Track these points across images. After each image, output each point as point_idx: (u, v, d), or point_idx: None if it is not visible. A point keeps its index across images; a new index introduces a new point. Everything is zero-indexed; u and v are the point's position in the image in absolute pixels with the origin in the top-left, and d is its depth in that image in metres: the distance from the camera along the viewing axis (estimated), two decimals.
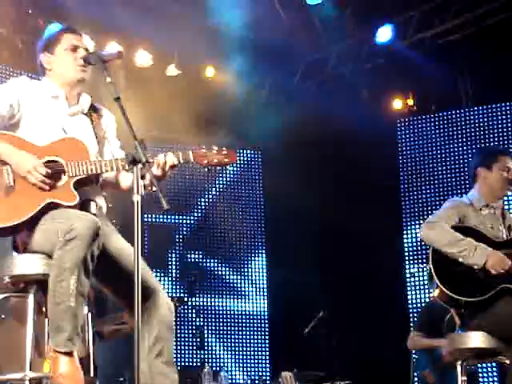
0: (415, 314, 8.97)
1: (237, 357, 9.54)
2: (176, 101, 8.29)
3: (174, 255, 9.61)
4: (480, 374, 8.11)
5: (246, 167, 10.01)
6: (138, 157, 3.03)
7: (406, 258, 9.50)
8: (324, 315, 7.89)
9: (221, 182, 9.88)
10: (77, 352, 3.25)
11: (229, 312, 9.66)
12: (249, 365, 9.55)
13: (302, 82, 9.63)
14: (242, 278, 9.81)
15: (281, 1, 8.56)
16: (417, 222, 9.25)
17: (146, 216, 9.17)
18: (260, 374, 9.33)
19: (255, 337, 9.69)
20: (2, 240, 3.50)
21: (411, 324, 8.81)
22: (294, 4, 8.57)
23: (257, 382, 8.96)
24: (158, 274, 9.06)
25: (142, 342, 3.26)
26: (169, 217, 9.53)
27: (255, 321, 9.74)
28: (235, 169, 9.73)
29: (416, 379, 6.91)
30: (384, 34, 8.91)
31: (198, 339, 8.74)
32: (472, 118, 9.44)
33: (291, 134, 8.85)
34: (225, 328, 9.59)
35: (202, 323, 9.27)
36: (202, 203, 9.84)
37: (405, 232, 9.59)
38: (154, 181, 3.09)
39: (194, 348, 8.99)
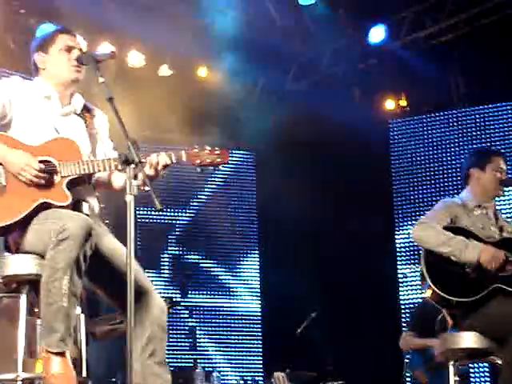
0: (407, 314, 8.99)
1: (229, 357, 9.54)
2: (168, 101, 8.29)
3: (166, 255, 9.61)
4: (472, 374, 8.13)
5: (238, 167, 10.01)
6: (131, 157, 3.02)
7: (399, 258, 9.52)
8: (316, 315, 7.90)
9: (213, 182, 9.88)
10: (69, 352, 3.24)
11: (221, 312, 9.66)
12: (241, 365, 9.54)
13: (295, 82, 9.63)
14: (235, 278, 9.82)
15: (274, 1, 8.56)
16: (409, 223, 9.27)
17: (138, 216, 9.16)
18: (252, 374, 9.33)
19: (248, 337, 9.69)
20: None
21: (403, 324, 8.83)
22: (287, 4, 8.58)
23: (249, 382, 8.95)
24: (151, 275, 9.05)
25: (135, 343, 3.26)
26: (161, 217, 9.52)
27: (248, 321, 9.74)
28: (228, 169, 9.72)
29: (408, 379, 6.93)
30: (377, 34, 8.92)
31: (191, 339, 8.73)
32: (465, 118, 9.46)
33: (284, 134, 8.85)
34: (217, 328, 9.59)
35: (194, 323, 9.26)
36: (195, 203, 9.83)
37: (397, 232, 9.61)
38: (146, 181, 3.09)
39: (187, 348, 8.98)
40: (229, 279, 9.78)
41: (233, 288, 9.77)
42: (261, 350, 9.67)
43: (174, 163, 3.46)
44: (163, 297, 3.76)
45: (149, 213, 9.40)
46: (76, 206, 3.46)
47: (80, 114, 3.70)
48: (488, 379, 8.31)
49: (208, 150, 3.46)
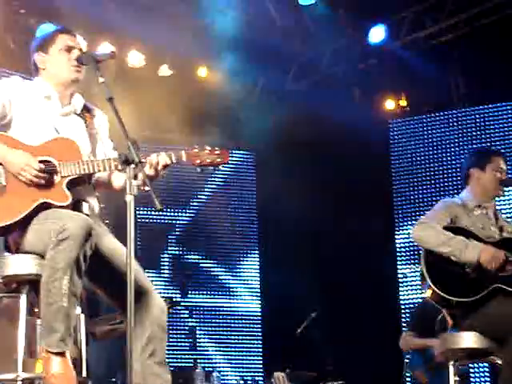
0: (407, 314, 8.99)
1: (229, 357, 9.54)
2: (168, 101, 8.29)
3: (166, 255, 9.61)
4: (472, 375, 8.13)
5: (238, 167, 10.01)
6: (131, 157, 3.02)
7: (399, 258, 9.52)
8: (316, 315, 7.90)
9: (213, 182, 9.88)
10: (69, 352, 3.24)
11: (221, 312, 9.66)
12: (241, 365, 9.54)
13: (295, 82, 9.63)
14: (235, 278, 9.82)
15: (274, 1, 8.56)
16: (409, 223, 9.27)
17: (138, 216, 9.16)
18: (252, 374, 9.33)
19: (248, 337, 9.70)
20: None
21: (403, 324, 8.83)
22: (287, 4, 8.58)
23: (249, 382, 8.95)
24: (151, 275, 9.05)
25: (135, 343, 3.26)
26: (161, 217, 9.52)
27: (248, 321, 9.74)
28: (228, 169, 9.72)
29: (409, 379, 6.92)
30: (377, 34, 8.92)
31: (191, 339, 8.74)
32: (465, 118, 9.46)
33: (284, 134, 8.85)
34: (217, 328, 9.59)
35: (194, 323, 9.26)
36: (195, 203, 9.83)
37: (397, 232, 9.61)
38: (146, 181, 3.09)
39: (187, 348, 8.98)
40: (229, 279, 9.78)
41: (233, 288, 9.77)
42: (261, 349, 9.67)
43: (174, 163, 3.46)
44: (163, 297, 3.76)
45: (149, 213, 9.40)
46: (76, 205, 3.46)
47: (80, 114, 3.71)
48: (488, 379, 8.31)
49: (208, 150, 3.46)
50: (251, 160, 10.14)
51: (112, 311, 5.23)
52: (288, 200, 8.52)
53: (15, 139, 3.48)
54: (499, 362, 4.34)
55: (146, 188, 3.10)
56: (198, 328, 9.20)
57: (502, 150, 7.33)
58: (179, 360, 8.97)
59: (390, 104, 9.73)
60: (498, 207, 4.84)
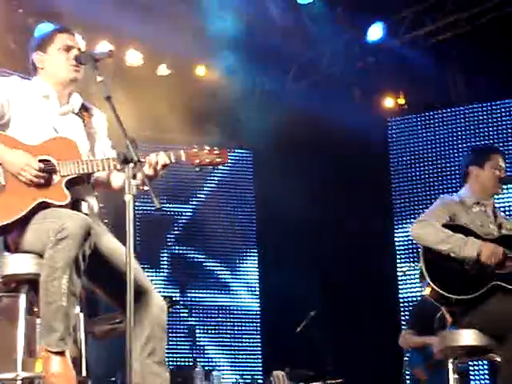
0: (407, 312, 8.99)
1: (229, 356, 9.54)
2: (167, 100, 8.29)
3: (165, 254, 9.61)
4: (471, 372, 8.14)
5: (237, 167, 10.01)
6: (130, 156, 3.02)
7: (398, 256, 9.53)
8: (316, 314, 7.90)
9: (212, 181, 9.88)
10: (69, 352, 3.25)
11: (221, 311, 9.66)
12: (241, 364, 9.55)
13: (295, 82, 9.63)
14: (234, 277, 9.82)
15: (273, 1, 8.55)
16: (408, 221, 9.27)
17: (137, 215, 9.15)
18: (252, 373, 9.33)
19: (247, 336, 9.70)
20: None
21: (403, 322, 8.84)
22: (287, 4, 8.57)
23: (249, 381, 8.95)
24: (150, 273, 9.05)
25: (134, 342, 3.26)
26: (161, 216, 9.51)
27: (247, 320, 9.75)
28: (227, 168, 9.72)
29: (408, 377, 6.93)
30: (375, 32, 8.92)
31: (190, 338, 8.73)
32: (464, 116, 9.47)
33: (283, 134, 8.85)
34: (217, 327, 9.59)
35: (193, 323, 9.26)
36: (193, 203, 9.83)
37: (396, 230, 9.62)
38: (145, 180, 3.09)
39: (186, 348, 8.98)
40: (228, 278, 9.79)
41: (232, 287, 9.78)
42: (260, 348, 9.67)
43: (173, 163, 3.46)
44: (162, 296, 3.75)
45: (149, 212, 9.39)
46: (75, 205, 3.46)
47: (78, 113, 3.70)
48: (487, 377, 8.31)
49: (207, 149, 3.46)
50: (250, 159, 10.14)
51: (111, 311, 5.22)
52: (287, 199, 8.52)
53: (14, 139, 3.48)
54: (498, 359, 4.35)
55: (145, 187, 3.10)
56: (197, 327, 9.20)
57: (501, 148, 7.33)
58: (179, 359, 8.97)
59: (388, 102, 9.73)
60: (496, 205, 4.85)
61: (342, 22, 8.69)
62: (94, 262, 3.35)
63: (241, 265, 9.88)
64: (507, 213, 8.58)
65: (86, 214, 3.45)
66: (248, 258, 9.92)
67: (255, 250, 9.96)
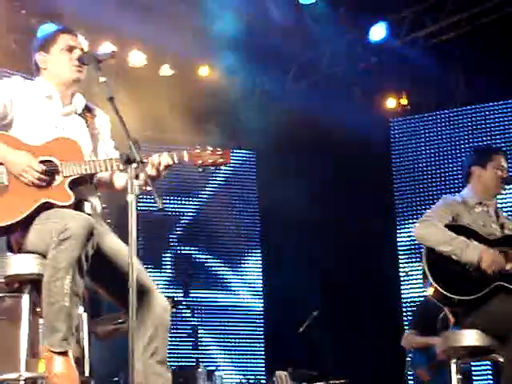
0: (409, 313, 8.99)
1: (231, 356, 9.54)
2: (170, 101, 8.30)
3: (168, 255, 9.62)
4: (474, 373, 8.13)
5: (239, 167, 10.01)
6: (133, 156, 3.03)
7: (400, 256, 9.53)
8: (318, 314, 7.90)
9: (215, 182, 9.88)
10: (72, 352, 3.25)
11: (223, 311, 9.66)
12: (243, 364, 9.55)
13: (295, 82, 9.63)
14: (237, 277, 9.82)
15: (274, 1, 8.55)
16: (410, 221, 9.27)
17: (140, 215, 9.13)
18: (255, 373, 9.32)
19: (250, 336, 9.70)
20: None
21: (405, 322, 8.83)
22: (287, 4, 8.57)
23: (252, 381, 8.95)
24: (153, 273, 9.05)
25: (137, 342, 3.26)
26: (163, 216, 9.52)
27: (250, 320, 9.74)
28: (229, 168, 9.72)
29: (411, 377, 6.92)
30: (377, 32, 8.92)
31: (193, 339, 8.73)
32: (466, 117, 9.47)
33: (284, 134, 8.86)
34: (219, 327, 9.59)
35: (196, 323, 9.26)
36: (196, 203, 9.83)
37: (398, 231, 9.61)
38: (148, 181, 3.10)
39: (189, 348, 8.98)
40: (231, 278, 9.79)
41: (235, 287, 9.78)
42: (263, 349, 9.67)
43: (176, 163, 3.46)
44: (165, 296, 3.75)
45: (151, 212, 9.38)
46: (78, 205, 3.46)
47: (81, 114, 3.71)
48: (490, 377, 8.30)
49: (210, 150, 3.46)
50: (253, 160, 10.14)
51: (114, 311, 5.23)
52: (289, 199, 8.52)
53: (17, 139, 3.49)
54: (501, 359, 4.34)
55: (148, 188, 3.10)
56: (200, 327, 9.20)
57: (504, 148, 7.33)
58: (181, 359, 8.97)
59: (391, 103, 9.73)
60: (498, 205, 4.85)
61: (344, 22, 8.70)
62: (96, 262, 3.35)
63: (243, 265, 9.88)
64: (509, 213, 8.56)
65: (89, 215, 3.45)
66: (251, 258, 9.92)
67: (258, 250, 9.97)
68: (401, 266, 9.47)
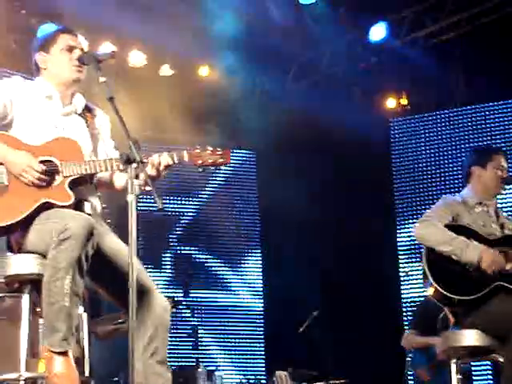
0: (409, 313, 8.99)
1: (231, 356, 9.54)
2: (170, 101, 8.30)
3: (168, 255, 9.62)
4: (474, 373, 8.13)
5: (239, 167, 10.01)
6: (133, 156, 3.03)
7: (400, 256, 9.53)
8: (318, 314, 7.90)
9: (215, 182, 9.88)
10: (72, 352, 3.25)
11: (223, 311, 9.66)
12: (244, 364, 9.55)
13: (295, 82, 9.63)
14: (237, 277, 9.82)
15: (274, 1, 8.55)
16: (410, 221, 9.27)
17: (140, 215, 9.13)
18: (255, 373, 9.33)
19: (250, 336, 9.70)
20: None
21: (405, 322, 8.84)
22: (287, 4, 8.57)
23: (252, 381, 8.95)
24: (153, 273, 9.05)
25: (137, 342, 3.26)
26: (163, 216, 9.52)
27: (250, 320, 9.74)
28: (229, 168, 9.72)
29: (411, 377, 6.93)
30: (378, 32, 8.92)
31: (193, 339, 8.73)
32: (466, 117, 9.47)
33: (284, 134, 8.86)
34: (219, 327, 9.59)
35: (196, 323, 9.26)
36: (196, 203, 9.84)
37: (398, 231, 9.61)
38: (148, 181, 3.10)
39: (189, 348, 8.98)
40: (231, 278, 9.79)
41: (235, 287, 9.78)
42: (263, 349, 9.67)
43: (176, 163, 3.47)
44: (165, 296, 3.75)
45: (151, 212, 9.38)
46: (78, 205, 3.46)
47: (81, 114, 3.71)
48: (490, 377, 8.30)
49: (210, 150, 3.46)
50: (253, 159, 10.14)
51: (114, 311, 5.23)
52: (289, 199, 8.52)
53: (17, 139, 3.49)
54: (501, 359, 4.35)
55: (148, 188, 3.10)
56: (200, 327, 9.20)
57: (504, 148, 7.33)
58: (181, 359, 8.97)
59: (391, 103, 9.73)
60: (498, 205, 4.85)
61: (344, 22, 8.70)
62: (96, 262, 3.35)
63: (243, 265, 9.88)
64: (509, 213, 8.56)
65: (89, 215, 3.45)
66: (251, 258, 9.92)
67: (258, 250, 9.97)
68: (401, 265, 9.47)
